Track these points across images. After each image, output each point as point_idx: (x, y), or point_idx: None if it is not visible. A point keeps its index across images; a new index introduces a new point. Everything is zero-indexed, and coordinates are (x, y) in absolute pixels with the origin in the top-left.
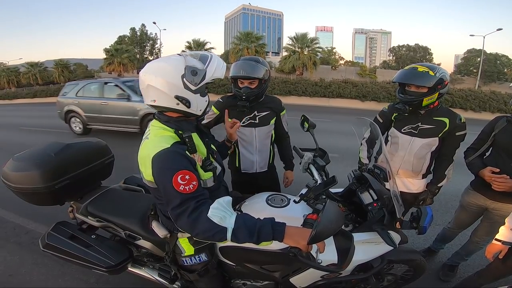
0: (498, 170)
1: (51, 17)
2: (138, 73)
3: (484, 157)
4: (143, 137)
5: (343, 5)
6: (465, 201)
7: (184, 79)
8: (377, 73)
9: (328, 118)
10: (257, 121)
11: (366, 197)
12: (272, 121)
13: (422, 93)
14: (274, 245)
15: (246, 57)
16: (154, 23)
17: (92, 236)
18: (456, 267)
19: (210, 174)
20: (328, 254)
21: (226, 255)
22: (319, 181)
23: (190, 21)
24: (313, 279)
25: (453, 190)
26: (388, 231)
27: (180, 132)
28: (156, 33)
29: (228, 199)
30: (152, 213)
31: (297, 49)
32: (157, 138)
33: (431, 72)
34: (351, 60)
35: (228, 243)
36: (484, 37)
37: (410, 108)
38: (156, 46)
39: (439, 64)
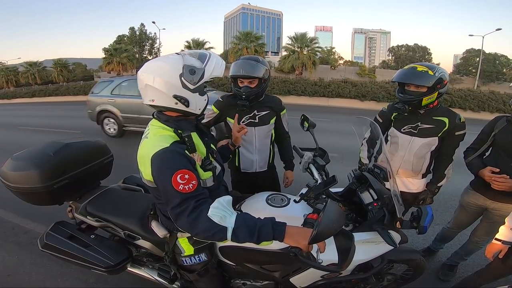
0: (498, 170)
1: (50, 17)
2: (137, 72)
3: (484, 157)
4: (142, 136)
5: (343, 5)
6: (464, 201)
7: (182, 78)
8: (376, 73)
9: (328, 118)
10: (256, 121)
11: (366, 197)
12: (272, 121)
13: (421, 93)
14: (274, 245)
15: (246, 56)
16: (154, 22)
17: (91, 236)
18: (456, 267)
19: (209, 173)
20: (329, 253)
21: (226, 255)
22: (319, 181)
23: (190, 21)
24: (313, 279)
25: (452, 190)
26: (389, 231)
27: (179, 131)
28: (155, 33)
29: (228, 198)
30: (151, 213)
31: (296, 49)
32: (156, 138)
33: (430, 72)
34: (351, 60)
35: (228, 243)
36: (483, 37)
37: (410, 108)
38: (155, 45)
39: (438, 64)
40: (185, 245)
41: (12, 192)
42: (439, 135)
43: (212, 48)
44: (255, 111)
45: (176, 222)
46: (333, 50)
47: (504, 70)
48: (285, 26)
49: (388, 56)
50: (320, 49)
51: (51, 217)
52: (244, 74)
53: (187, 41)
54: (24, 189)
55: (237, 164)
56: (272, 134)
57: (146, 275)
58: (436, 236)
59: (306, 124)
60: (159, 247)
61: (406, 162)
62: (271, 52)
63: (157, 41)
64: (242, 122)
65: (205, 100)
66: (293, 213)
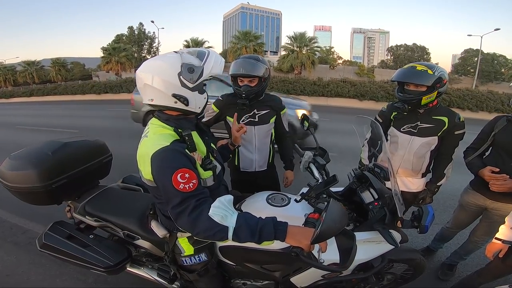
0: (498, 169)
1: (49, 16)
2: (135, 72)
3: (484, 156)
4: (142, 135)
5: (342, 4)
6: (464, 200)
7: (181, 76)
8: (375, 73)
9: (327, 117)
10: (256, 120)
11: (367, 196)
12: (272, 120)
13: (421, 92)
14: (275, 245)
15: (246, 55)
16: (152, 21)
17: (90, 236)
18: (455, 266)
19: (210, 173)
20: (330, 253)
21: (226, 254)
22: (320, 180)
23: (189, 20)
24: (314, 278)
25: (451, 189)
26: (389, 230)
27: (179, 130)
28: (154, 32)
29: (229, 197)
30: (151, 212)
31: (295, 48)
32: (156, 136)
33: (429, 71)
34: (349, 59)
35: (228, 242)
36: (481, 37)
37: (409, 107)
38: (154, 45)
39: (436, 64)
40: (185, 245)
41: (10, 192)
42: (438, 134)
43: (211, 47)
44: (255, 110)
45: (176, 221)
46: (332, 50)
47: (503, 70)
48: (284, 25)
49: (387, 56)
50: (319, 49)
51: (50, 217)
52: (244, 73)
53: (186, 41)
54: (22, 188)
55: (236, 163)
56: (272, 133)
57: (145, 275)
58: (435, 235)
59: (306, 124)
60: (158, 247)
61: (406, 162)
62: (270, 51)
63: (156, 40)
64: (241, 121)
65: (205, 98)
66: (294, 213)
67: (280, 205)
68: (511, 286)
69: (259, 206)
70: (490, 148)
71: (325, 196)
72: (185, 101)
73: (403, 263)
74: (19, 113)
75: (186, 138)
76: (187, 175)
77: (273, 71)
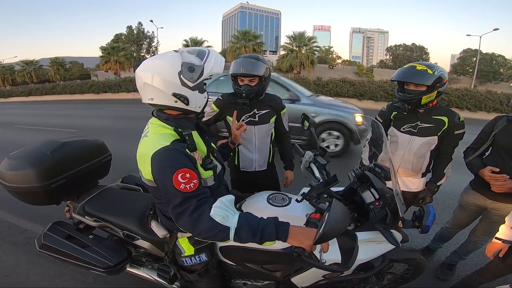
0: (498, 169)
1: (47, 15)
2: (134, 71)
3: (484, 156)
4: (142, 135)
5: (341, 4)
6: (464, 200)
7: (181, 76)
8: (374, 72)
9: None
10: (256, 119)
11: (368, 196)
12: (272, 120)
13: (421, 92)
14: (276, 245)
15: (246, 54)
16: (151, 21)
17: (89, 236)
18: (455, 266)
19: (210, 172)
20: (331, 253)
21: (227, 255)
22: (321, 180)
23: (188, 20)
24: (314, 278)
25: (451, 189)
26: (391, 230)
27: (180, 130)
28: (153, 32)
29: (231, 197)
30: (151, 212)
31: (294, 48)
32: (156, 136)
33: (429, 71)
34: (349, 59)
35: (229, 242)
36: (480, 37)
37: (409, 107)
38: (153, 44)
39: (435, 64)
40: (185, 245)
41: (8, 192)
42: (438, 134)
43: (210, 47)
44: (255, 110)
45: (177, 222)
46: (331, 50)
47: (501, 70)
48: (283, 25)
49: (386, 56)
50: (318, 49)
51: (48, 217)
52: (244, 72)
53: (185, 40)
54: (21, 188)
55: (236, 163)
56: (272, 133)
57: (145, 275)
58: (434, 235)
59: (306, 123)
60: (158, 247)
61: (406, 162)
62: (269, 51)
63: (155, 40)
64: (241, 121)
65: (205, 97)
66: (295, 213)
67: (281, 205)
68: (511, 286)
69: (259, 206)
70: (490, 148)
71: (326, 196)
72: (185, 100)
73: (403, 262)
74: (18, 113)
75: (187, 137)
76: (187, 175)
77: (272, 71)
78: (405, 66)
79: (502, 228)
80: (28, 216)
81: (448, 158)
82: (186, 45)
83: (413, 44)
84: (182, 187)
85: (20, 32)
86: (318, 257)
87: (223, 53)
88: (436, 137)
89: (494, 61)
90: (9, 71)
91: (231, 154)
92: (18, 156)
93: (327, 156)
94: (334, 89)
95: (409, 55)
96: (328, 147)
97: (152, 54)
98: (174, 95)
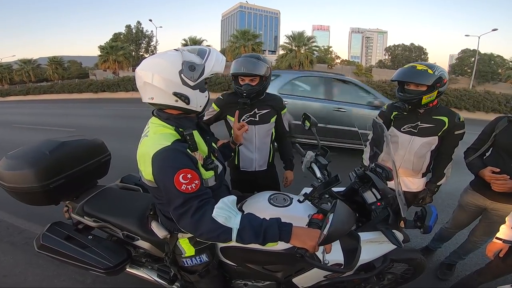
0: (498, 170)
1: (46, 14)
2: (133, 70)
3: (484, 157)
4: (142, 135)
5: (340, 4)
6: (464, 201)
7: (182, 74)
8: (373, 72)
9: None
10: (257, 119)
11: (369, 196)
12: (273, 119)
13: (421, 91)
14: (278, 245)
15: (247, 54)
16: (150, 20)
17: (88, 237)
18: (454, 266)
19: (211, 173)
20: (333, 254)
21: (227, 255)
22: (322, 180)
23: (187, 19)
24: (316, 279)
25: (450, 189)
26: (393, 230)
27: (180, 129)
28: (152, 31)
29: (232, 198)
30: (151, 213)
31: (293, 48)
32: (157, 136)
33: (430, 71)
34: (347, 59)
35: (230, 243)
36: (479, 38)
37: (410, 107)
38: (152, 43)
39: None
40: (185, 246)
41: (6, 192)
42: (439, 134)
43: (209, 46)
44: (256, 109)
45: (178, 223)
46: (330, 49)
47: (500, 70)
48: (282, 25)
49: (385, 56)
50: (317, 48)
51: (47, 217)
52: (245, 71)
53: (184, 39)
54: (19, 189)
55: (236, 163)
56: (272, 133)
57: (145, 276)
58: (434, 235)
59: (307, 123)
60: (158, 247)
61: (406, 162)
62: (268, 50)
63: (154, 39)
64: (242, 120)
65: (206, 97)
66: (297, 213)
67: (282, 205)
68: None
69: (261, 206)
70: (491, 148)
71: (327, 196)
72: (186, 99)
73: (404, 263)
74: (16, 112)
75: (188, 137)
76: (189, 176)
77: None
78: (405, 66)
79: (503, 228)
80: (27, 216)
81: (448, 158)
82: (185, 44)
83: (411, 44)
84: (184, 188)
85: (18, 31)
86: (320, 258)
87: (222, 52)
88: (436, 137)
89: (493, 62)
90: (7, 70)
91: (232, 154)
92: (16, 156)
93: (328, 156)
94: None
95: (408, 55)
96: None
97: (151, 54)
98: (175, 94)
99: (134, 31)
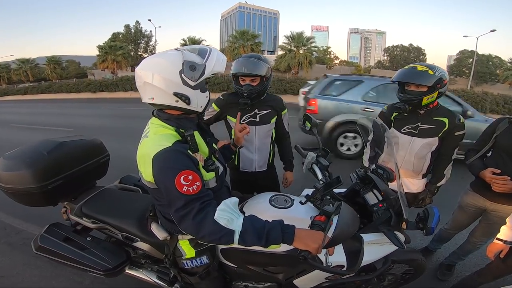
0: (499, 171)
1: (44, 14)
2: (132, 70)
3: (485, 158)
4: (142, 135)
5: (339, 4)
6: (463, 202)
7: (182, 74)
8: (371, 73)
9: None
10: (257, 119)
11: (371, 198)
12: (273, 120)
13: (421, 92)
14: (279, 247)
15: (248, 54)
16: (149, 20)
17: (87, 238)
18: (454, 267)
19: (212, 174)
20: (336, 256)
21: (228, 257)
22: (324, 182)
23: (186, 19)
24: (317, 280)
25: (449, 189)
26: (394, 232)
27: (181, 130)
28: (151, 30)
29: (234, 200)
30: (151, 214)
31: (292, 48)
32: (157, 137)
33: (430, 72)
34: (346, 59)
35: (231, 245)
36: (477, 38)
37: (410, 108)
38: (151, 43)
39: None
40: (186, 248)
41: (4, 193)
42: (439, 135)
43: (208, 46)
44: (256, 110)
45: (180, 225)
46: (329, 50)
47: (498, 71)
48: (281, 25)
49: (383, 56)
50: (316, 49)
51: (45, 218)
52: (246, 72)
53: (183, 39)
54: (17, 189)
55: (236, 163)
56: (272, 133)
57: (144, 277)
58: (433, 236)
59: (308, 124)
60: (158, 249)
61: (407, 163)
62: (267, 51)
63: (153, 39)
64: (242, 121)
65: (207, 97)
66: (298, 215)
67: (283, 206)
68: None
69: (262, 207)
70: (491, 150)
71: (329, 198)
72: (186, 99)
73: (404, 263)
74: (13, 111)
75: (189, 138)
76: (190, 177)
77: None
78: (406, 67)
79: (503, 229)
80: (24, 216)
81: (448, 159)
82: (184, 44)
83: (410, 45)
84: (185, 190)
85: (16, 31)
86: (323, 260)
87: (222, 52)
88: (436, 138)
89: (491, 62)
90: (4, 69)
91: (232, 156)
92: (13, 156)
93: (329, 157)
94: None
95: (406, 56)
96: None
97: (150, 53)
98: (175, 94)
99: (133, 31)
